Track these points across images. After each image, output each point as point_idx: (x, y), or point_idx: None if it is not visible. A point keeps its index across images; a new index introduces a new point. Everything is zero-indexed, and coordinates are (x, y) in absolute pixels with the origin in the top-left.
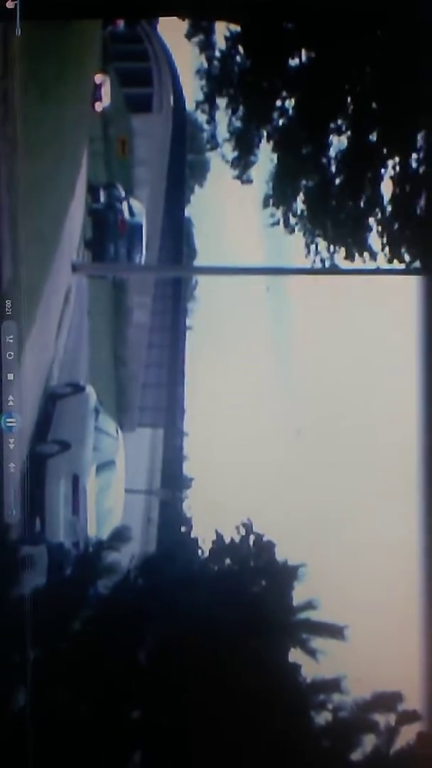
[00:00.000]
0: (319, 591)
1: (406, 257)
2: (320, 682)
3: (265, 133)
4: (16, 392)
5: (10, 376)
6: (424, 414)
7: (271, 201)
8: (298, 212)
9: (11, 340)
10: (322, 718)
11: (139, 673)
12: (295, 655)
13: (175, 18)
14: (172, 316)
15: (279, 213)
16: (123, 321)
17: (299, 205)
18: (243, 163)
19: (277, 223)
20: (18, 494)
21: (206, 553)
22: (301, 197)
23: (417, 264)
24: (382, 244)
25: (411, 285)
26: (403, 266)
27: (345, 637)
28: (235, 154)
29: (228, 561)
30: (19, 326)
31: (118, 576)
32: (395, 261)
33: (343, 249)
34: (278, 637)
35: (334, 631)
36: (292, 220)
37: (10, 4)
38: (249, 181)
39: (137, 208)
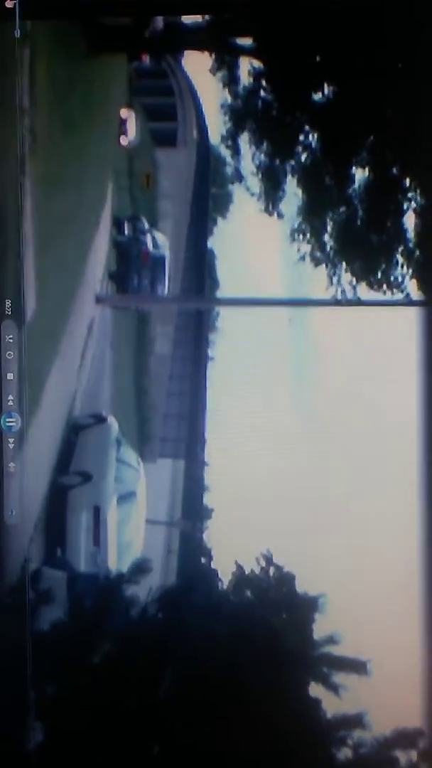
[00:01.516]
0: (340, 624)
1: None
2: (341, 718)
3: (289, 167)
4: (16, 392)
5: (10, 376)
6: None
7: (296, 235)
8: (323, 246)
9: (11, 340)
10: (343, 754)
11: (158, 707)
12: (316, 689)
13: (199, 53)
14: (193, 347)
15: (305, 247)
16: (145, 352)
17: (324, 238)
18: (269, 197)
19: (303, 258)
20: (17, 496)
21: (226, 585)
22: (326, 231)
23: None
24: (406, 276)
25: None
26: (427, 299)
27: (368, 672)
28: (261, 188)
29: (248, 593)
30: (18, 325)
31: (137, 608)
32: (419, 293)
33: (366, 281)
34: (299, 672)
35: (356, 667)
36: (318, 254)
37: (9, 4)
38: (280, 216)
39: (161, 240)
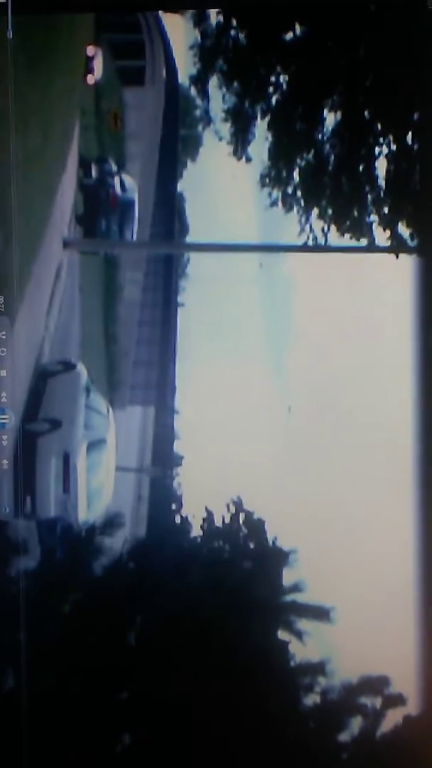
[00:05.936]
0: (308, 572)
1: (402, 235)
2: (306, 665)
3: (259, 110)
4: (9, 388)
5: (3, 373)
6: (420, 394)
7: (267, 180)
8: (294, 190)
9: (4, 337)
10: (310, 699)
11: (129, 654)
12: (282, 637)
13: None
14: (163, 293)
15: (276, 192)
16: (114, 298)
17: (295, 182)
18: (239, 140)
19: (275, 203)
20: (11, 489)
21: (196, 532)
22: (296, 175)
23: (413, 242)
24: (377, 221)
25: (407, 263)
26: (398, 244)
27: (331, 620)
28: (231, 131)
29: (218, 540)
30: (11, 322)
31: (109, 557)
32: (391, 239)
33: (337, 226)
34: (265, 619)
35: (320, 614)
36: (289, 199)
37: None
38: (248, 160)
39: (129, 184)
